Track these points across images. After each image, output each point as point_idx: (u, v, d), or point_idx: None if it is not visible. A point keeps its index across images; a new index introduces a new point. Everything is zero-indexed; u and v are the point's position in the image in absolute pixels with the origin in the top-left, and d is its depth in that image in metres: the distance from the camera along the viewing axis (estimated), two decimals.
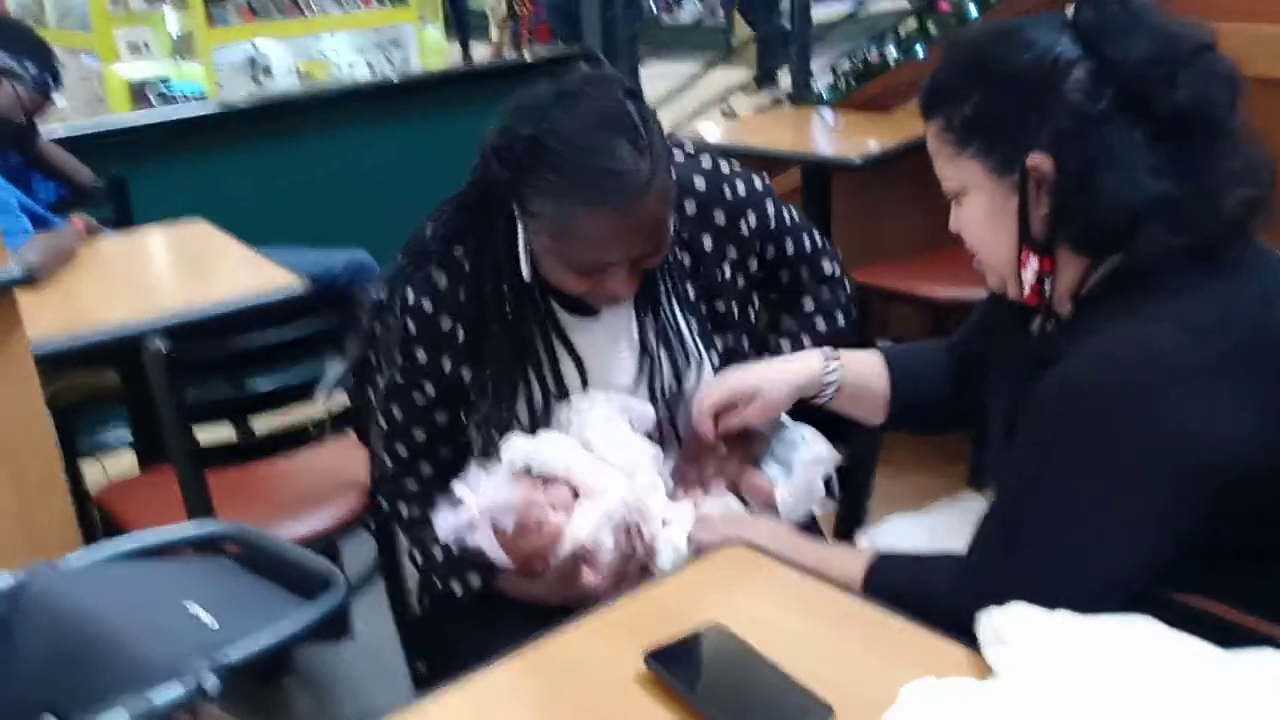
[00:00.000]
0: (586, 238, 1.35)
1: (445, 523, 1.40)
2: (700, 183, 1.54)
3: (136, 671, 1.12)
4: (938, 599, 1.21)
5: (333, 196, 3.94)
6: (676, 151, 1.50)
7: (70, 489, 2.04)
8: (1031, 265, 1.20)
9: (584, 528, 1.39)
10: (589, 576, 1.40)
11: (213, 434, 2.06)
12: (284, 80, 4.51)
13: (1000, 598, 1.10)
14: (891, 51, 3.64)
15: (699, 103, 5.62)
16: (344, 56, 5.57)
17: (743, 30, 8.98)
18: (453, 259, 1.48)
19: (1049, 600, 1.08)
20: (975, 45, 1.22)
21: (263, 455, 2.15)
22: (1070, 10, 1.18)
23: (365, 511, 2.20)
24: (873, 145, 3.21)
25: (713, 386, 1.49)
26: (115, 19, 5.22)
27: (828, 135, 3.62)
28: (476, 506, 1.38)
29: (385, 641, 2.27)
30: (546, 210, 1.34)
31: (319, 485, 2.26)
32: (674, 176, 1.41)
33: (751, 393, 1.46)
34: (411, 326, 1.49)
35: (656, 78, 5.52)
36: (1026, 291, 1.22)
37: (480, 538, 1.39)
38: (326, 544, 2.15)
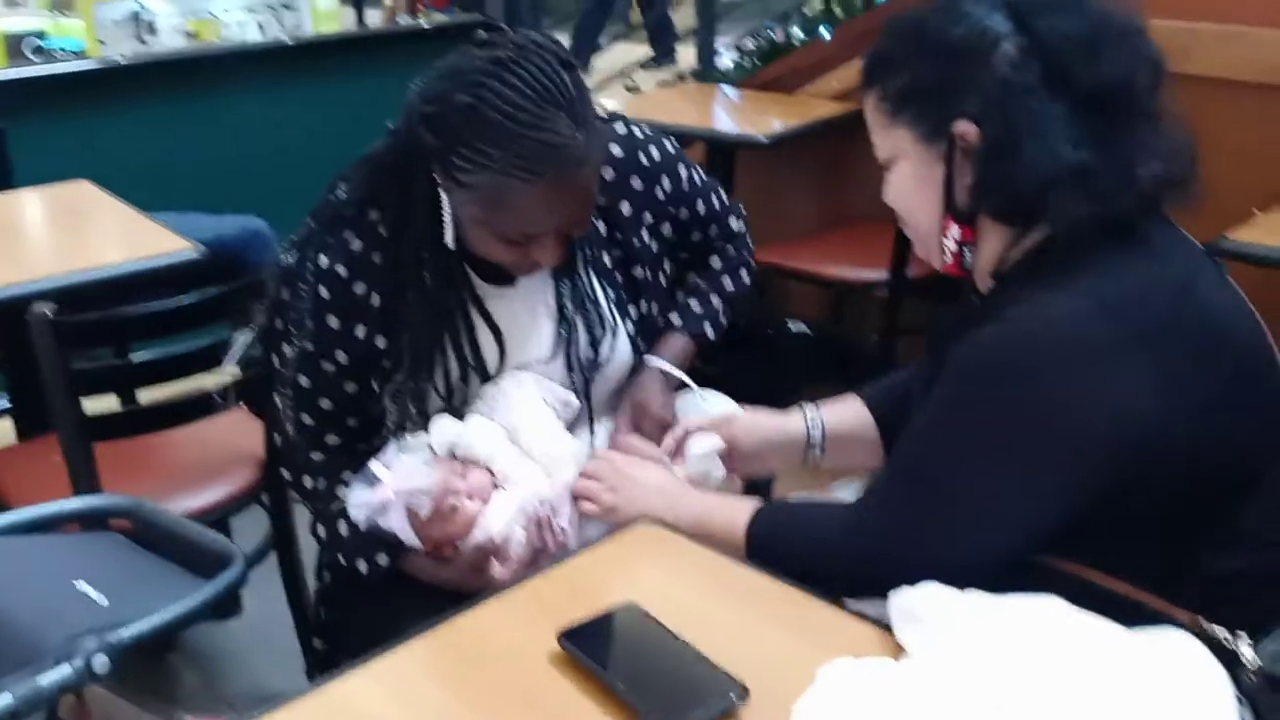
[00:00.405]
0: (519, 209, 1.33)
1: (358, 500, 1.37)
2: (617, 150, 1.53)
3: (23, 652, 1.08)
4: (827, 546, 1.24)
5: (223, 161, 3.80)
6: None
7: None
8: (953, 233, 1.22)
9: (497, 521, 1.38)
10: (497, 569, 1.39)
11: (95, 404, 1.97)
12: (170, 39, 4.33)
13: (892, 547, 1.17)
14: (796, 33, 3.66)
15: (601, 77, 5.59)
16: (234, 16, 5.39)
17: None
18: (368, 223, 1.44)
19: (937, 554, 1.13)
20: (913, 18, 1.24)
21: (153, 427, 2.07)
22: None
23: (258, 486, 2.14)
24: (777, 125, 3.22)
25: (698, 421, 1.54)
26: None
27: (732, 113, 3.62)
28: (392, 488, 1.36)
29: (275, 619, 2.22)
30: (480, 181, 1.31)
31: (210, 459, 2.19)
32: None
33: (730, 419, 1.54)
34: (324, 292, 1.44)
35: None
36: (949, 260, 1.24)
37: (393, 519, 1.37)
38: (217, 520, 2.09)
